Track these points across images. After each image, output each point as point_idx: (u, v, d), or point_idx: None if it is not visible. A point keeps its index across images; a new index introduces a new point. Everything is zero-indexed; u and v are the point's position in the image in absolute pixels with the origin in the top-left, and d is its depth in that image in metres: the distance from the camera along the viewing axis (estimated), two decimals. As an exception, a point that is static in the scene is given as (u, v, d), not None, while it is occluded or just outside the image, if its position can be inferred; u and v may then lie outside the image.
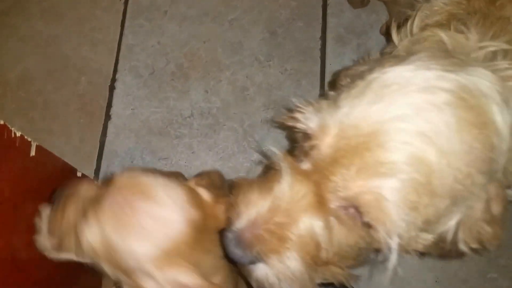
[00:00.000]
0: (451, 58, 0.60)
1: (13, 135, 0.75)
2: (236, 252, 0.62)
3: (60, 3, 1.72)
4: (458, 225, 0.60)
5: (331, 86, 0.93)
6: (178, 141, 1.49)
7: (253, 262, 0.62)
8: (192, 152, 1.47)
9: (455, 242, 0.62)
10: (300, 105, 0.61)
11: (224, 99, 1.54)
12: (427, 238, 0.61)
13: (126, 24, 1.67)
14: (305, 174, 0.60)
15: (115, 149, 1.52)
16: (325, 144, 0.56)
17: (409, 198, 0.52)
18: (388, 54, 0.80)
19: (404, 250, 0.59)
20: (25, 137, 0.78)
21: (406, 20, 0.82)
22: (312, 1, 1.64)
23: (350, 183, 0.54)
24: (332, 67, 1.55)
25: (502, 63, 0.65)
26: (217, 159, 1.47)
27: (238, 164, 1.46)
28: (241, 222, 0.62)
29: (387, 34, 1.28)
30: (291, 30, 1.61)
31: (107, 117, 1.53)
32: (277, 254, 0.60)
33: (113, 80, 1.58)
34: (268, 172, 0.66)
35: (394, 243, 0.54)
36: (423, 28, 0.77)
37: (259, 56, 1.59)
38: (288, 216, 0.59)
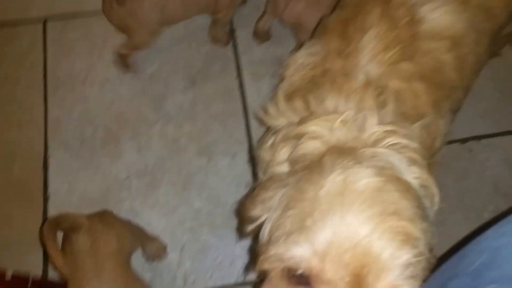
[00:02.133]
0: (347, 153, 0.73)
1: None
2: None
3: (-21, 89, 1.71)
4: None
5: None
6: (119, 206, 1.51)
7: None
8: (135, 214, 1.49)
9: None
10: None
11: (158, 154, 1.58)
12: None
13: (49, 98, 1.68)
14: None
15: (60, 226, 1.53)
16: (330, 272, 0.61)
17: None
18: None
19: None
20: None
21: None
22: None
23: None
24: (253, 102, 1.62)
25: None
26: (160, 216, 1.50)
27: (182, 216, 1.50)
28: None
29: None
30: (209, 74, 1.67)
31: (46, 198, 1.53)
32: None
33: (45, 158, 1.59)
34: None
35: None
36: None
37: (184, 104, 1.64)
38: None
